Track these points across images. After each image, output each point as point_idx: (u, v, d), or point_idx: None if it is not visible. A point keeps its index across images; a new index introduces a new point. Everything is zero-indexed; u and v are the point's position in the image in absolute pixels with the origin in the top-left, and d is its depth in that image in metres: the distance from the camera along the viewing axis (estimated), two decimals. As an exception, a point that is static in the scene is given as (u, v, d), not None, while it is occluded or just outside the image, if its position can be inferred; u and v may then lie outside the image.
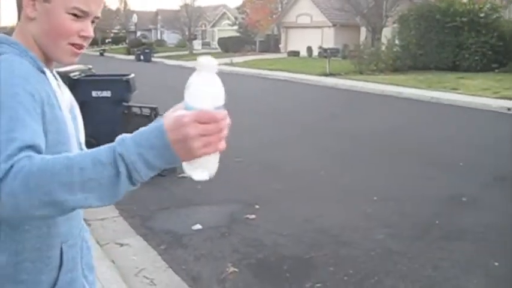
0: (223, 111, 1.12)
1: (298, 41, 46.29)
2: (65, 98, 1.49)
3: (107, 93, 8.85)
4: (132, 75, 9.35)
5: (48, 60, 1.47)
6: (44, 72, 1.41)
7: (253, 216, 5.83)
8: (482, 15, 28.96)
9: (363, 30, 39.69)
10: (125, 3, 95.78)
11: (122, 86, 8.97)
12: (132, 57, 46.33)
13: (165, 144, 1.08)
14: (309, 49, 43.56)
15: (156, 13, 73.11)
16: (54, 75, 1.51)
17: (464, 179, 8.03)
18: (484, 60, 28.09)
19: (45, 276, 1.41)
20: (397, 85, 22.74)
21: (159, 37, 75.14)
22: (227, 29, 58.83)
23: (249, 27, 51.84)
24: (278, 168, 8.15)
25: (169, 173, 7.40)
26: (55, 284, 1.43)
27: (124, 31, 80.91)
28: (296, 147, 10.24)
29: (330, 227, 5.85)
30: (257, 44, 52.36)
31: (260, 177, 7.99)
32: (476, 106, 17.38)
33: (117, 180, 1.10)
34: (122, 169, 1.09)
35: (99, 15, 1.47)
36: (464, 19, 28.66)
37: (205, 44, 64.97)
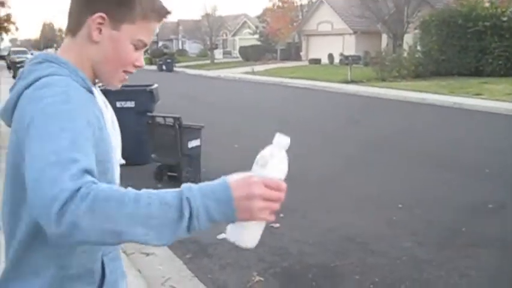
0: (285, 184, 1.22)
1: (319, 49, 46.29)
2: (109, 114, 1.53)
3: (130, 104, 8.96)
4: (156, 85, 9.45)
5: (94, 79, 1.52)
6: (92, 92, 1.44)
7: (277, 225, 5.83)
8: (505, 19, 28.68)
9: (384, 36, 39.59)
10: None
11: (145, 96, 9.08)
12: (154, 67, 46.70)
13: (229, 199, 1.15)
14: (330, 56, 43.53)
15: (178, 23, 73.55)
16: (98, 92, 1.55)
17: (491, 186, 7.95)
18: (508, 65, 27.80)
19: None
20: (420, 91, 22.61)
21: (180, 47, 75.58)
22: (248, 38, 59.05)
23: (269, 35, 51.98)
24: (301, 176, 8.13)
25: (193, 182, 7.47)
26: None
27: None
28: (318, 155, 10.24)
29: (355, 235, 5.82)
30: (278, 52, 52.43)
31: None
32: (501, 111, 17.20)
33: (179, 223, 1.14)
34: (186, 213, 1.13)
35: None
36: (487, 23, 28.42)
37: (227, 53, 65.29)
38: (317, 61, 43.71)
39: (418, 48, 31.17)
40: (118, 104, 8.94)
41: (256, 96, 23.10)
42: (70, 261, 1.40)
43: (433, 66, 29.42)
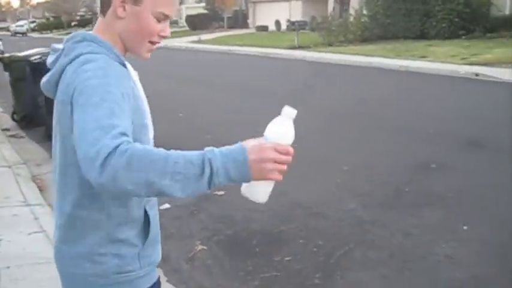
0: (291, 148, 1.43)
1: (266, 16, 46.05)
2: (139, 85, 1.71)
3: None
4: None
5: (125, 53, 1.69)
6: (125, 66, 1.64)
7: (222, 192, 5.76)
8: (448, -18, 28.98)
9: (331, 1, 39.60)
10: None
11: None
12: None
13: (245, 160, 1.36)
14: (277, 23, 43.35)
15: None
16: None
17: (433, 146, 8.05)
18: (452, 28, 28.17)
19: (138, 234, 1.69)
20: (366, 55, 22.76)
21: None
22: (194, 6, 58.19)
23: (216, 3, 51.30)
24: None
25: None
26: (146, 238, 1.71)
27: (90, 13, 79.52)
28: (268, 120, 10.16)
29: (301, 199, 5.80)
30: (225, 20, 51.88)
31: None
32: (445, 73, 17.46)
33: (200, 179, 1.34)
34: (207, 171, 1.33)
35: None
36: (431, -14, 28.66)
37: (173, 23, 64.09)
38: (264, 28, 43.47)
39: (364, 12, 31.27)
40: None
41: (203, 65, 22.82)
42: (120, 209, 1.62)
43: (379, 30, 29.61)
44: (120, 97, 1.46)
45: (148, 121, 1.69)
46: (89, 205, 1.61)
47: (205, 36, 39.05)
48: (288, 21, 37.96)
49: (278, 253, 4.57)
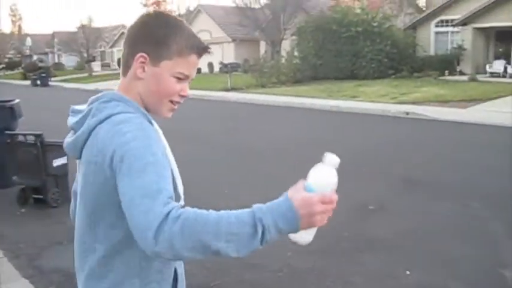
0: (335, 195, 1.45)
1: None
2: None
3: (-12, 122, 8.14)
4: (17, 100, 8.67)
5: (148, 112, 1.66)
6: (152, 124, 1.61)
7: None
8: (375, 24, 29.90)
9: (263, 44, 40.06)
10: (19, 27, 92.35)
11: (5, 113, 8.28)
12: (28, 82, 44.36)
13: (295, 216, 1.36)
14: (210, 65, 43.40)
15: (53, 35, 70.60)
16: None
17: (369, 186, 7.96)
18: (381, 68, 28.96)
19: None
20: (298, 96, 22.93)
21: (56, 60, 72.55)
22: (126, 49, 57.51)
23: (148, 46, 50.97)
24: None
25: (62, 203, 6.86)
26: None
27: (19, 55, 77.76)
28: (192, 165, 9.87)
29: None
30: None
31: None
32: (376, 112, 17.72)
33: (254, 238, 1.34)
34: (259, 230, 1.34)
35: (194, 76, 1.70)
36: (359, 29, 29.50)
37: (105, 65, 63.34)
38: (197, 70, 43.36)
39: (296, 54, 31.75)
40: (-26, 124, 8.13)
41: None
42: (151, 270, 1.60)
43: (311, 71, 30.06)
44: (162, 158, 1.47)
45: (177, 176, 1.68)
46: (121, 265, 1.59)
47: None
48: (221, 63, 38.03)
49: (213, 310, 4.24)
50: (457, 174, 8.63)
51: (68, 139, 1.67)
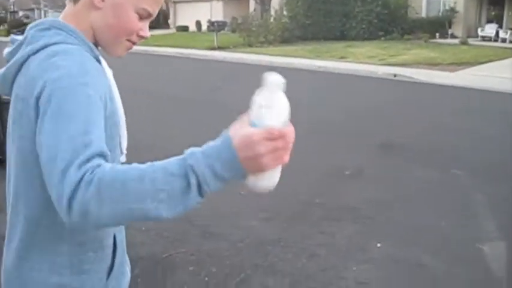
0: (290, 126, 1.15)
1: (187, 16, 45.17)
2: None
3: None
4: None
5: (97, 47, 1.43)
6: (99, 61, 1.38)
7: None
8: (366, -17, 29.23)
9: (252, 2, 39.24)
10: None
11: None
12: (11, 38, 43.43)
13: (236, 160, 1.10)
14: (198, 23, 42.56)
15: (38, -9, 69.10)
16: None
17: (349, 150, 7.59)
18: (371, 29, 28.47)
19: (104, 263, 1.45)
20: (286, 56, 22.43)
21: (43, 16, 71.14)
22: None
23: (135, 2, 50.03)
24: (146, 147, 7.32)
25: None
26: (111, 269, 1.47)
27: (4, 12, 76.21)
28: (172, 123, 9.44)
29: (197, 217, 5.08)
30: (146, 20, 50.67)
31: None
32: (364, 74, 17.32)
33: (188, 192, 1.09)
34: (193, 180, 1.09)
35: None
36: (350, -12, 28.83)
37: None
38: (185, 28, 42.59)
39: (285, 13, 31.09)
40: None
41: (119, 66, 21.77)
42: (87, 237, 1.38)
43: (300, 31, 29.51)
44: (99, 101, 1.23)
45: (123, 128, 1.46)
46: (50, 223, 1.32)
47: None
48: (209, 21, 37.23)
49: (163, 284, 3.87)
50: (441, 139, 8.27)
51: None
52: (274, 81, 1.13)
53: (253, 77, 10.83)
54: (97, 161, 1.12)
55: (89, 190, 1.07)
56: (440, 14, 30.19)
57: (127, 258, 1.66)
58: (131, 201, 1.08)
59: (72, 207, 1.07)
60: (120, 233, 1.56)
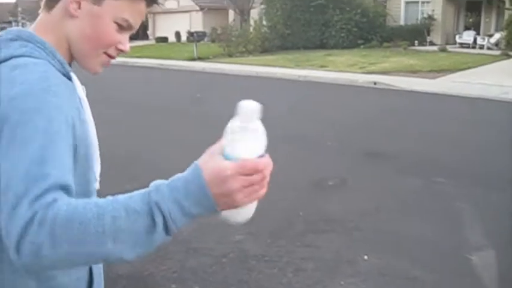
0: (266, 158, 1.05)
1: (167, 27, 45.03)
2: (87, 103, 1.32)
3: None
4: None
5: (71, 61, 1.32)
6: (70, 78, 1.25)
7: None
8: (345, -8, 29.38)
9: (231, 13, 39.23)
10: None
11: None
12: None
13: (206, 195, 1.00)
14: (177, 34, 42.46)
15: (16, 4, 68.67)
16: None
17: (332, 160, 7.51)
18: (350, 37, 28.56)
19: (82, 278, 1.34)
20: (266, 65, 22.37)
21: (20, 29, 70.64)
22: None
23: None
24: (128, 160, 7.17)
25: None
26: (91, 284, 1.37)
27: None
28: (154, 134, 9.30)
29: (180, 231, 4.94)
30: (125, 31, 50.46)
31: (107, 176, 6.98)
32: (344, 82, 17.31)
33: (153, 231, 0.99)
34: (158, 219, 0.98)
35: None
36: (328, -4, 28.95)
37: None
38: (164, 39, 42.44)
39: (264, 23, 31.09)
40: None
41: (97, 78, 21.56)
42: (57, 271, 1.23)
43: (279, 41, 29.50)
44: (64, 122, 1.10)
45: (95, 151, 1.30)
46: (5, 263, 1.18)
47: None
48: (188, 32, 37.13)
49: (144, 304, 3.75)
50: (423, 147, 8.23)
51: None
52: (250, 108, 1.03)
53: (233, 87, 10.88)
54: (53, 195, 0.99)
55: (41, 230, 0.96)
56: (418, 21, 30.40)
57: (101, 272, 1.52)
58: (89, 243, 0.97)
59: (21, 247, 0.96)
60: (97, 266, 1.43)
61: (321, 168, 7.06)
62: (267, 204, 4.39)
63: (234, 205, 1.03)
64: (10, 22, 72.87)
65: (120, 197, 1.02)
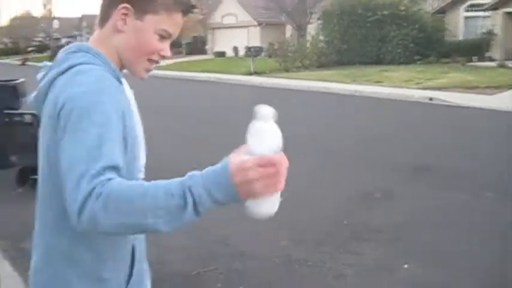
0: (282, 155, 1.22)
1: (225, 42, 45.79)
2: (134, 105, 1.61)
3: (-11, 101, 8.02)
4: (21, 80, 8.52)
5: (121, 69, 1.57)
6: (121, 83, 1.52)
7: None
8: (402, 8, 29.24)
9: (289, 28, 39.59)
10: (49, 10, 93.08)
11: (7, 92, 8.13)
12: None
13: (230, 184, 1.19)
14: (235, 49, 43.13)
15: (81, 19, 71.10)
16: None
17: (381, 173, 7.63)
18: (407, 53, 28.37)
19: (123, 272, 1.57)
20: (322, 80, 22.53)
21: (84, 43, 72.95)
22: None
23: (174, 29, 50.75)
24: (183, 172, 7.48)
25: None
26: (130, 277, 1.58)
27: (47, 38, 78.51)
28: (210, 145, 9.62)
29: (227, 236, 5.24)
30: (183, 46, 51.41)
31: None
32: (399, 97, 17.30)
33: (184, 210, 1.19)
34: (189, 200, 1.19)
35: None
36: (386, 12, 28.88)
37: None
38: (222, 54, 43.18)
39: (321, 38, 31.26)
40: (-24, 102, 8.00)
41: (155, 91, 22.22)
42: (107, 246, 1.49)
43: (336, 56, 29.60)
44: (115, 117, 1.36)
45: (140, 144, 1.57)
46: (70, 235, 1.45)
47: (163, 62, 38.35)
48: (246, 47, 37.70)
49: (191, 301, 4.01)
50: (475, 163, 8.21)
51: (32, 93, 1.56)
52: (265, 112, 1.23)
53: (288, 101, 11.15)
54: (108, 175, 1.24)
55: (97, 202, 1.19)
56: (478, 36, 29.91)
57: (147, 268, 1.75)
58: (133, 216, 1.20)
59: (81, 215, 1.20)
60: (140, 244, 1.66)
61: (370, 181, 7.19)
62: (314, 212, 4.67)
63: (253, 194, 1.21)
64: (75, 36, 75.49)
65: (162, 181, 1.24)
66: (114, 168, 1.26)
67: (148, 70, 1.59)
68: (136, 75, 1.60)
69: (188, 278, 4.35)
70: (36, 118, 6.69)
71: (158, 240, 4.81)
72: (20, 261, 4.79)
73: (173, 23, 1.54)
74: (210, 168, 1.24)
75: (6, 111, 7.32)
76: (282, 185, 1.24)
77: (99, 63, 1.47)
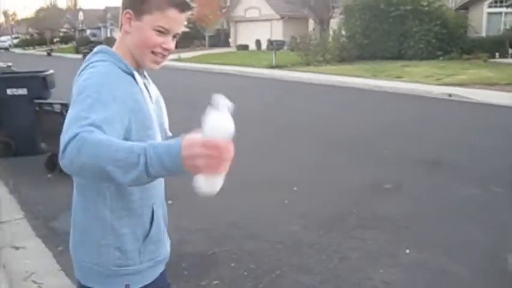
0: (228, 142, 1.40)
1: (248, 35, 46.11)
2: (152, 93, 1.94)
3: (22, 91, 8.46)
4: (51, 71, 8.96)
5: (139, 65, 1.90)
6: (132, 75, 1.83)
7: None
8: (425, 3, 29.25)
9: (311, 22, 39.75)
10: (74, 2, 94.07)
11: (38, 83, 8.57)
12: (80, 56, 45.28)
13: (178, 155, 1.39)
14: (258, 42, 43.38)
15: (105, 10, 71.79)
16: (145, 76, 1.97)
17: (393, 167, 7.91)
18: (429, 48, 28.38)
19: (140, 229, 1.88)
20: (343, 75, 22.73)
21: (108, 35, 73.58)
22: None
23: (197, 22, 51.19)
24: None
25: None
26: (147, 235, 1.90)
27: (73, 30, 79.47)
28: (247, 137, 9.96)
29: (242, 219, 5.61)
30: (206, 39, 51.82)
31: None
32: (418, 93, 17.45)
33: (136, 167, 1.40)
34: (142, 160, 1.40)
35: (180, 32, 1.87)
36: (408, 8, 28.93)
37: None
38: (245, 47, 43.49)
39: (343, 32, 31.39)
40: (9, 92, 8.45)
41: (178, 81, 22.63)
42: (123, 206, 1.82)
43: (357, 50, 29.72)
44: (107, 96, 1.63)
45: (152, 124, 1.85)
46: (92, 196, 1.82)
47: (186, 55, 38.81)
48: (268, 40, 37.95)
49: (207, 276, 4.35)
50: (488, 159, 8.37)
51: None
52: (221, 103, 1.42)
53: (310, 95, 11.41)
54: (91, 128, 1.49)
55: (76, 143, 1.43)
56: (500, 33, 29.80)
57: (166, 233, 2.06)
58: (97, 160, 1.42)
59: (64, 152, 1.46)
60: (160, 207, 1.97)
61: (380, 173, 7.48)
62: (325, 199, 5.04)
63: (196, 169, 1.40)
64: (99, 28, 76.28)
65: (131, 142, 1.50)
66: (97, 127, 1.51)
67: (155, 61, 1.87)
68: (145, 66, 1.90)
69: (205, 257, 4.72)
70: (65, 107, 7.12)
71: (178, 223, 5.21)
72: (51, 238, 5.20)
73: (169, 19, 1.80)
74: (169, 140, 1.46)
75: (36, 101, 7.76)
76: (223, 168, 1.41)
77: (112, 60, 1.81)
